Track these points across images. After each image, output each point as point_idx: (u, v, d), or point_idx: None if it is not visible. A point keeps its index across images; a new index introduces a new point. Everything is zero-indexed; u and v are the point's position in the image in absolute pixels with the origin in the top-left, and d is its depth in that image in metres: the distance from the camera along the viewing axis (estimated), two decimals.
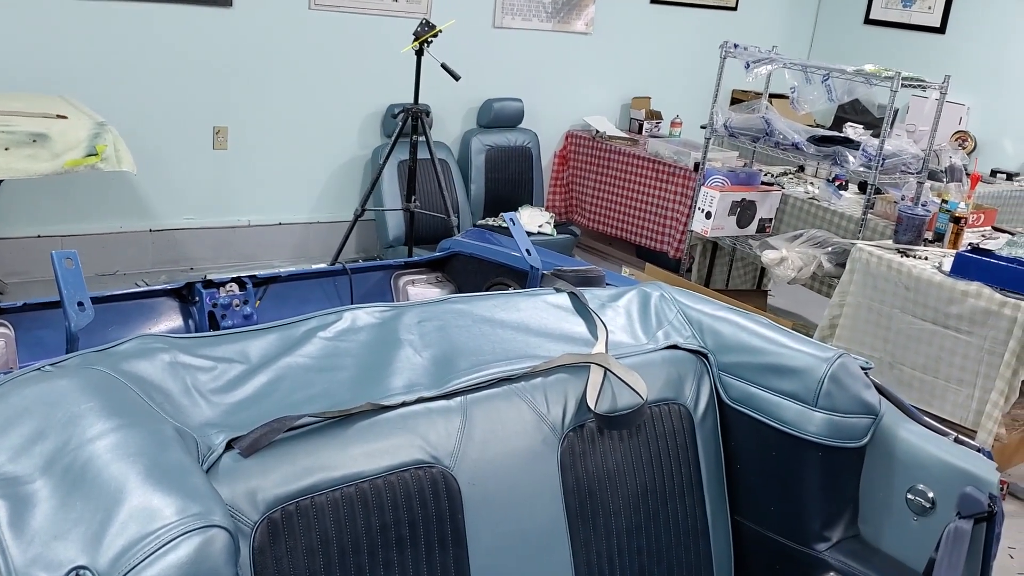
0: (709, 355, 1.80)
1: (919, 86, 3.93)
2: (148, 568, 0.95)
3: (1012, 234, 3.90)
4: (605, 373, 1.65)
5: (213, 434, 1.26)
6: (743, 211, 4.42)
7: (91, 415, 1.14)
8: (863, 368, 1.72)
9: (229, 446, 1.25)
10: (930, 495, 1.62)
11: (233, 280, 2.27)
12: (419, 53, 3.99)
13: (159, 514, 0.99)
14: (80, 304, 1.59)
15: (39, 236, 4.35)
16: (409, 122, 4.14)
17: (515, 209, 5.41)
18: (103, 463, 1.06)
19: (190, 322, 2.26)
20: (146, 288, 2.19)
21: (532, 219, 5.31)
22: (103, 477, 1.04)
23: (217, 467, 1.22)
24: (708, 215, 4.36)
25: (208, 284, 2.24)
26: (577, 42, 5.88)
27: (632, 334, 1.80)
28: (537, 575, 1.49)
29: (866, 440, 1.67)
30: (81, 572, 0.96)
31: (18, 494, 1.05)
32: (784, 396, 1.69)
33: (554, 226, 5.38)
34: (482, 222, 5.32)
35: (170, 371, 1.35)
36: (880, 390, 1.71)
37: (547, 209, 5.84)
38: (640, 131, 6.09)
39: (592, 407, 1.59)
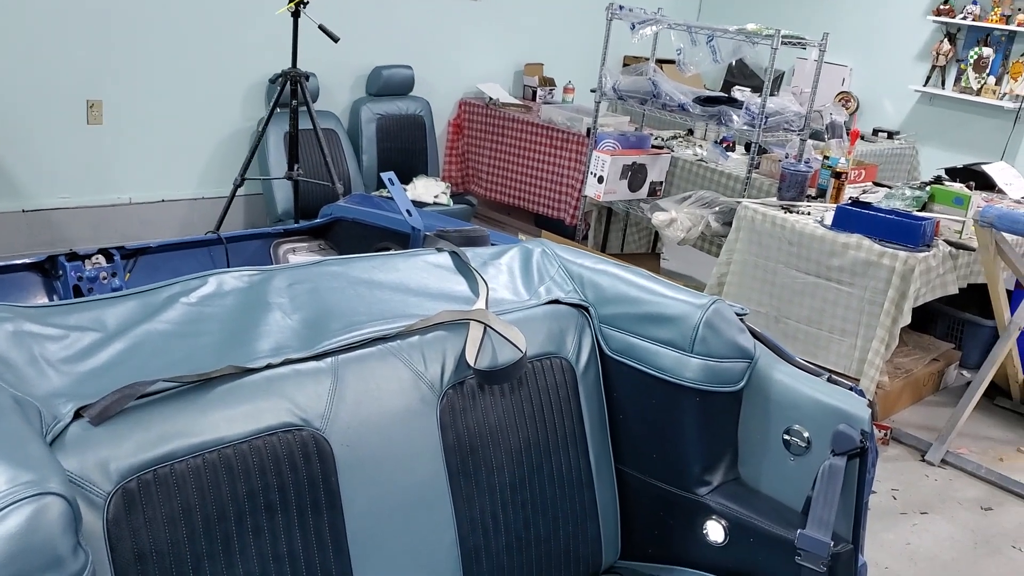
0: (590, 308, 1.79)
1: (799, 44, 4.00)
2: None
3: (891, 188, 4.03)
4: (485, 329, 1.62)
5: (60, 404, 1.19)
6: (634, 175, 4.45)
7: None
8: (738, 314, 1.73)
9: (78, 415, 1.18)
10: (805, 435, 1.65)
11: (100, 252, 2.16)
12: (295, 15, 3.87)
13: None
14: None
15: None
16: (288, 87, 4.02)
17: (409, 180, 5.33)
18: None
19: (55, 298, 2.14)
20: (3, 263, 2.07)
21: (427, 189, 5.24)
22: None
23: (64, 437, 1.15)
24: (600, 179, 4.38)
25: (72, 257, 2.13)
26: (466, 7, 5.82)
27: (514, 290, 1.78)
28: (418, 534, 1.47)
29: (742, 384, 1.69)
30: None
31: None
32: (661, 344, 1.69)
33: (451, 196, 5.32)
34: (376, 193, 5.24)
35: (14, 340, 1.26)
36: (754, 334, 1.73)
37: (443, 179, 5.78)
38: (534, 98, 6.08)
39: (471, 363, 1.56)
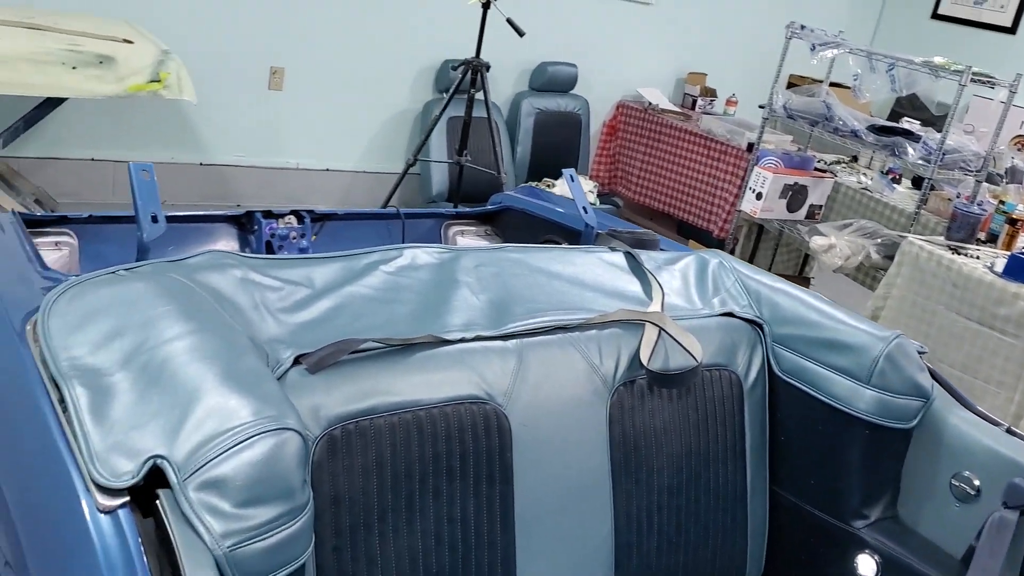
0: (764, 325, 1.80)
1: (987, 83, 3.86)
2: (224, 463, 0.97)
3: None
4: (660, 332, 1.65)
5: (281, 349, 1.28)
6: (794, 195, 4.38)
7: (168, 317, 1.16)
8: (919, 352, 1.71)
9: (297, 362, 1.27)
10: (976, 483, 1.61)
11: (292, 213, 2.29)
12: (485, 6, 3.97)
13: (236, 414, 1.01)
14: (154, 217, 1.62)
15: (93, 160, 4.40)
16: (468, 76, 4.13)
17: (559, 175, 5.39)
18: (180, 363, 1.08)
19: (247, 250, 2.28)
20: (209, 212, 2.22)
21: None
22: (180, 376, 1.07)
23: (284, 380, 1.24)
24: (759, 196, 4.33)
25: (268, 214, 2.26)
26: (638, 11, 5.82)
27: (687, 298, 1.80)
28: (578, 520, 1.51)
29: (915, 422, 1.67)
30: (159, 461, 0.98)
31: (98, 384, 1.08)
32: (837, 372, 1.69)
33: (597, 196, 5.35)
34: (524, 185, 5.31)
35: (241, 286, 1.37)
36: (934, 375, 1.71)
37: (591, 178, 5.81)
38: (693, 107, 6.03)
39: (645, 364, 1.59)
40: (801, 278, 5.02)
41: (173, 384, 1.06)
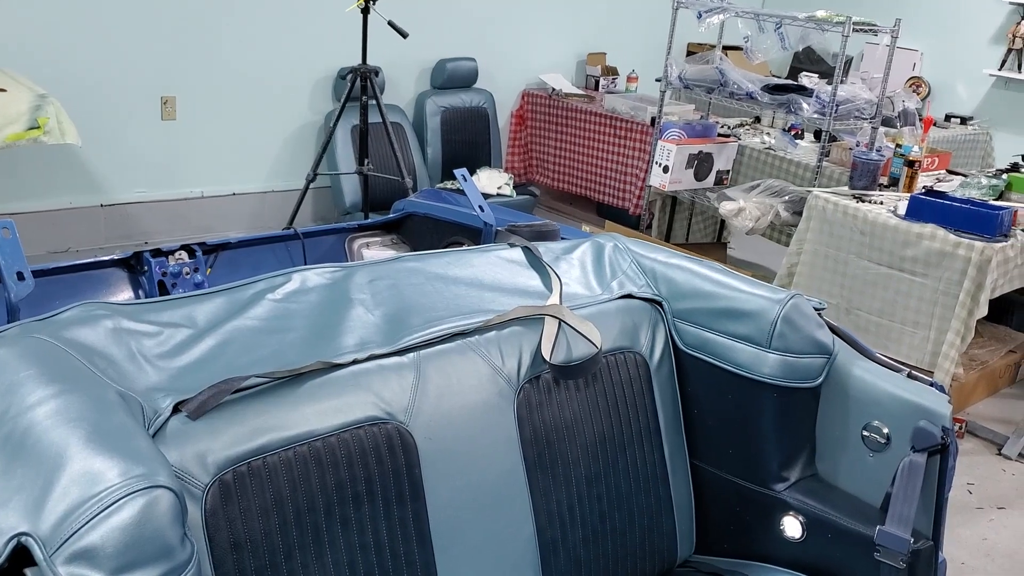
0: (663, 303, 1.80)
1: (871, 31, 3.93)
2: (92, 531, 0.93)
3: (966, 176, 3.94)
4: (559, 324, 1.64)
5: (160, 398, 1.23)
6: (700, 164, 4.42)
7: (30, 383, 1.11)
8: (816, 309, 1.73)
9: (176, 409, 1.22)
10: (885, 431, 1.64)
11: (182, 248, 2.23)
12: (364, 11, 3.92)
13: (101, 477, 0.97)
14: (20, 275, 1.55)
15: None
16: (358, 84, 4.08)
17: (473, 171, 5.37)
18: (43, 430, 1.03)
19: (140, 292, 2.22)
20: (93, 260, 2.15)
21: (491, 180, 5.27)
22: (43, 443, 1.02)
23: (164, 431, 1.19)
24: (665, 169, 4.35)
25: (157, 253, 2.20)
26: None
27: (586, 285, 1.79)
28: (497, 526, 1.49)
29: (820, 379, 1.68)
30: (23, 539, 0.94)
31: None
32: (738, 339, 1.69)
33: (513, 187, 5.35)
34: (440, 185, 5.28)
35: (113, 337, 1.31)
36: (833, 329, 1.72)
37: (506, 170, 5.80)
38: (597, 87, 6.06)
39: (547, 358, 1.58)
40: (719, 244, 5.08)
41: (36, 453, 1.01)
